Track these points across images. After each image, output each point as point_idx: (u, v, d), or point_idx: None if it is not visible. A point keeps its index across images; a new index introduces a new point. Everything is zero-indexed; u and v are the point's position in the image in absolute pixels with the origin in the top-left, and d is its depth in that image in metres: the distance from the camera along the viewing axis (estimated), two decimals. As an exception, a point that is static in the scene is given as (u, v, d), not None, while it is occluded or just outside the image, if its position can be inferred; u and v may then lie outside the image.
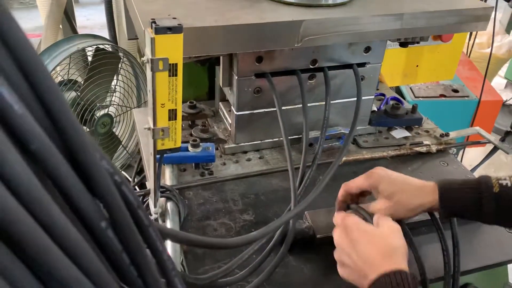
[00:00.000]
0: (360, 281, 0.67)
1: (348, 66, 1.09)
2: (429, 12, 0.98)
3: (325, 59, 1.06)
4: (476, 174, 3.02)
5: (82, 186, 0.27)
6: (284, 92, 1.07)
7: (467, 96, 2.25)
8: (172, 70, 0.72)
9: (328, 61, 1.07)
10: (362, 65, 1.10)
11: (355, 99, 1.11)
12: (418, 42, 1.14)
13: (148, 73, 0.73)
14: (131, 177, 1.85)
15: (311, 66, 1.06)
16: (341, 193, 0.85)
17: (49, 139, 0.25)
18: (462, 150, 2.22)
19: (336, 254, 0.74)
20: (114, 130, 1.69)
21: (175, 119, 0.78)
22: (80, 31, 2.14)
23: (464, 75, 2.42)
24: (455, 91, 2.27)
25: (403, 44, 1.15)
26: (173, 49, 0.71)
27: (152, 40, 0.69)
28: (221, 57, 1.03)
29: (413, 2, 1.02)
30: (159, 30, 0.68)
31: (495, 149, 1.22)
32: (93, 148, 0.28)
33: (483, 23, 1.05)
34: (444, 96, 2.23)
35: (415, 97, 2.21)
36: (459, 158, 2.26)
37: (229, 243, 0.61)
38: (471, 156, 1.83)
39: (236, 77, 1.02)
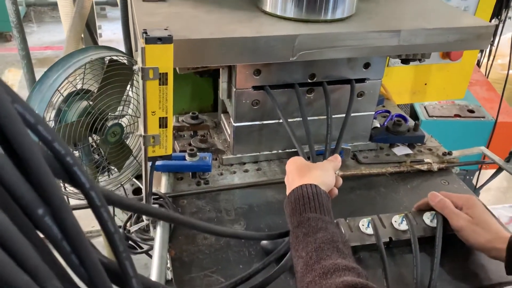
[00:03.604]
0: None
1: (347, 81, 1.10)
2: (427, 30, 0.98)
3: (324, 74, 1.07)
4: (493, 198, 2.91)
5: (17, 172, 0.28)
6: (282, 105, 1.08)
7: (483, 117, 2.20)
8: (162, 79, 0.75)
9: (327, 76, 1.07)
10: (361, 81, 1.11)
11: (354, 114, 1.12)
12: (420, 60, 1.14)
13: (139, 82, 0.76)
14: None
15: (309, 80, 1.07)
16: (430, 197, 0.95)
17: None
18: (478, 171, 2.17)
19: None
20: (126, 141, 1.73)
21: (166, 127, 0.80)
22: (105, 44, 2.21)
23: (481, 96, 2.38)
24: (471, 111, 2.23)
25: (405, 61, 1.15)
26: (163, 58, 0.74)
27: (143, 50, 0.72)
28: (221, 70, 1.05)
29: (413, 20, 1.03)
30: (149, 40, 0.71)
31: (499, 170, 1.19)
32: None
33: (485, 41, 1.04)
34: (459, 116, 2.20)
35: (429, 116, 2.19)
36: (474, 179, 2.20)
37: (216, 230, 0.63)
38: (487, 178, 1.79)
39: (235, 89, 1.04)
